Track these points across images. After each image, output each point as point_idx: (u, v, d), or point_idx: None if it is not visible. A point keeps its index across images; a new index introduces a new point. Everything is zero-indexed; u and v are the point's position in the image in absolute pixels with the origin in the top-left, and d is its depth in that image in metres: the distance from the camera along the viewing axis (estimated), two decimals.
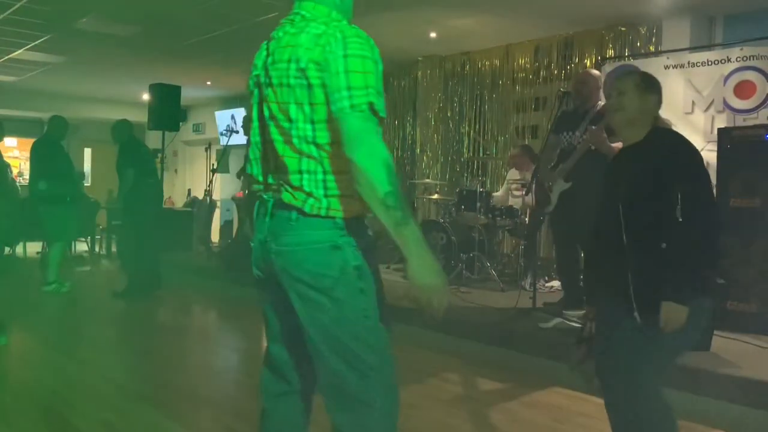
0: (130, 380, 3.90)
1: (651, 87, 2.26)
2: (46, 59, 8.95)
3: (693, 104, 5.85)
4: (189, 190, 13.15)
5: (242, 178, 7.69)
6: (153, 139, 10.87)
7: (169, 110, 8.72)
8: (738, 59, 5.55)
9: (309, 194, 1.61)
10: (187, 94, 9.93)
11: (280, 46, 1.70)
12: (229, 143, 8.47)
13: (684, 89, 5.89)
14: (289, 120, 1.63)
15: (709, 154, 5.54)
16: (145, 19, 6.87)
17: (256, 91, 1.78)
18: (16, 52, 8.59)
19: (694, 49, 5.96)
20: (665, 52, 6.14)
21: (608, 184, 2.31)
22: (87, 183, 12.25)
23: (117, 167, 6.36)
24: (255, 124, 1.77)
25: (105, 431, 3.04)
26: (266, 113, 1.71)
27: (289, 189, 1.63)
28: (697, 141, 5.76)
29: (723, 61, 5.65)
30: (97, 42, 7.83)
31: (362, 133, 1.51)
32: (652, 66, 6.11)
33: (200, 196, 10.58)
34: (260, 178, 1.76)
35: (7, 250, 6.99)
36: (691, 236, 2.02)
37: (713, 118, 5.69)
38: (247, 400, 3.59)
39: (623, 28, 6.63)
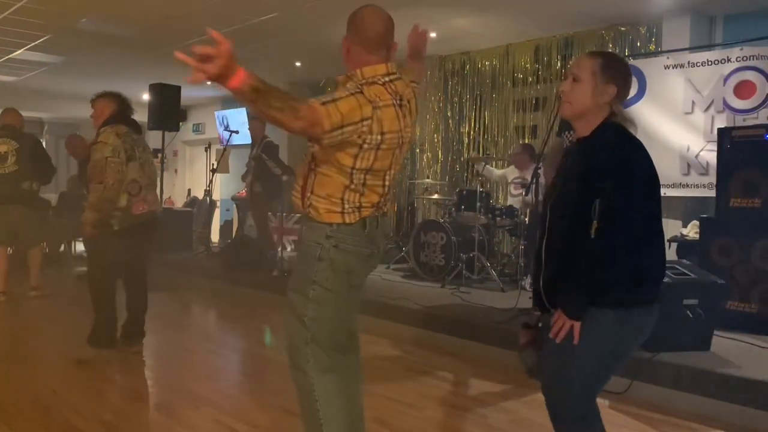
0: (130, 380, 3.90)
1: (613, 76, 1.97)
2: (46, 59, 8.95)
3: (693, 104, 5.85)
4: (189, 190, 13.16)
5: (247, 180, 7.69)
6: (153, 139, 10.87)
7: (169, 110, 8.73)
8: (738, 59, 5.55)
9: None
10: (187, 94, 9.92)
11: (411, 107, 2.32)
12: (229, 143, 8.48)
13: (684, 89, 5.89)
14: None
15: (709, 154, 5.55)
16: (145, 19, 6.88)
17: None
18: (16, 52, 8.59)
19: (694, 49, 5.96)
20: (665, 52, 6.14)
21: (555, 178, 2.14)
22: None
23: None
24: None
25: (105, 431, 3.04)
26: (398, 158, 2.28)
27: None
28: (697, 141, 5.79)
29: (723, 61, 5.65)
30: (97, 42, 7.83)
31: None
32: (652, 66, 6.12)
33: (200, 196, 10.58)
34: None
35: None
36: (597, 252, 1.86)
37: (713, 118, 5.69)
38: (248, 400, 3.59)
39: (623, 28, 6.63)
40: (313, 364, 2.18)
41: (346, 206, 2.18)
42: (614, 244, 1.86)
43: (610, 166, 1.87)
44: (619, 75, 1.99)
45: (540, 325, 2.24)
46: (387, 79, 2.21)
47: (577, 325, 1.91)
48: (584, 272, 1.89)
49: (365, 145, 2.11)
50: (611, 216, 1.85)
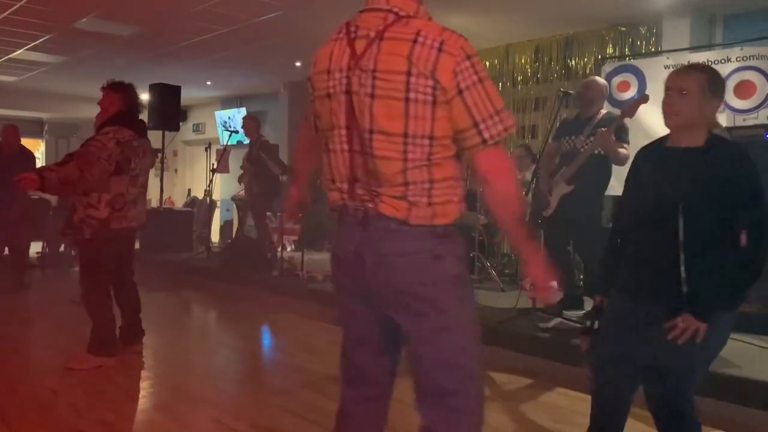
0: (130, 380, 3.90)
1: (718, 90, 2.08)
2: (46, 59, 8.95)
3: None
4: (189, 190, 13.17)
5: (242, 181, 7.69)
6: (153, 139, 10.88)
7: (169, 110, 8.73)
8: (738, 59, 5.55)
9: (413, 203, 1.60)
10: (187, 94, 9.92)
11: (381, 52, 1.63)
12: (229, 143, 8.48)
13: None
14: (401, 134, 1.61)
15: None
16: (145, 19, 6.88)
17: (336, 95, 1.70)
18: (16, 52, 8.60)
19: (694, 49, 5.96)
20: (665, 52, 6.14)
21: (663, 182, 2.13)
22: None
23: None
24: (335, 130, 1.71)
25: (105, 431, 3.04)
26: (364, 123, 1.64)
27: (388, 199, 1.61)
28: None
29: (723, 61, 5.65)
30: (97, 42, 7.84)
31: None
32: (652, 66, 6.12)
33: (200, 196, 10.58)
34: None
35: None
36: (745, 257, 2.02)
37: None
38: (248, 400, 3.59)
39: (623, 28, 6.63)
40: None
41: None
42: (761, 256, 2.02)
43: (749, 183, 2.00)
44: (722, 89, 2.12)
45: (596, 326, 2.34)
46: None
47: (704, 327, 2.01)
48: (729, 279, 2.03)
49: None
50: (760, 229, 1.99)
